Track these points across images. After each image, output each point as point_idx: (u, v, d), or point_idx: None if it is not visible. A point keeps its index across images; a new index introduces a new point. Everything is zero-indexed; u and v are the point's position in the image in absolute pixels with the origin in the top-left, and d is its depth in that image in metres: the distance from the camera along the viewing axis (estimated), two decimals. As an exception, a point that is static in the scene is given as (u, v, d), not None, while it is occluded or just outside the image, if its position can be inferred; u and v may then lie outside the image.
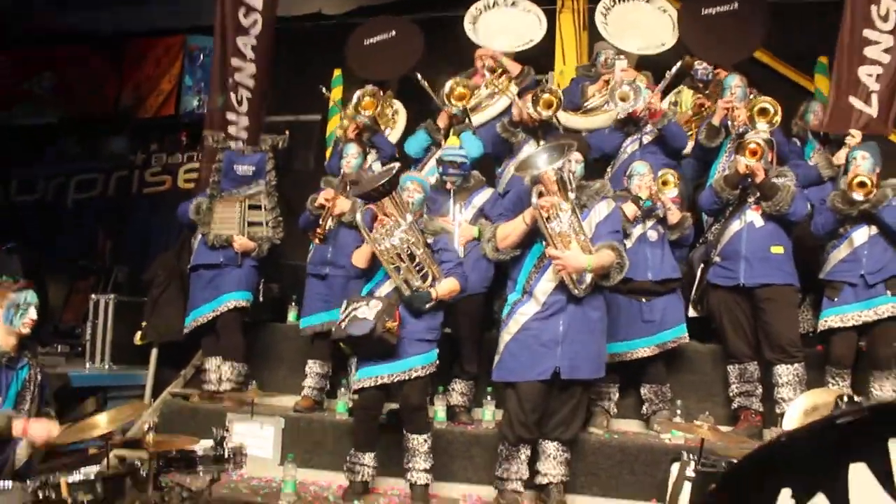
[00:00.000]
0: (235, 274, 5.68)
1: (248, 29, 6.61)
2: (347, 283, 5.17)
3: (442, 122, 5.73)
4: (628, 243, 4.78)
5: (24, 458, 3.92)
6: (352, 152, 5.55)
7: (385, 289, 4.44)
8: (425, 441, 4.46)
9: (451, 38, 6.75)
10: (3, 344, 3.92)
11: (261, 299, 6.02)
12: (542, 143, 5.10)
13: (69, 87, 9.07)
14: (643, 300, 4.95)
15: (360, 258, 4.50)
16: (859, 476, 1.34)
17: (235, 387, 5.51)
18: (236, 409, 5.20)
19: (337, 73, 7.20)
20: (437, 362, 4.50)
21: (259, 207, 5.81)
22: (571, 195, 4.16)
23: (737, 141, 5.06)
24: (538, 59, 6.42)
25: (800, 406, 3.88)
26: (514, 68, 6.05)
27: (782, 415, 4.45)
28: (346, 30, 7.00)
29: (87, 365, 6.58)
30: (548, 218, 4.09)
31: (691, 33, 6.21)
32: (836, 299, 4.83)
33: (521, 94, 5.68)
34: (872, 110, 5.50)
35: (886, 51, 5.45)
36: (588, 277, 4.16)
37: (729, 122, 5.33)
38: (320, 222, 5.36)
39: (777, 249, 4.88)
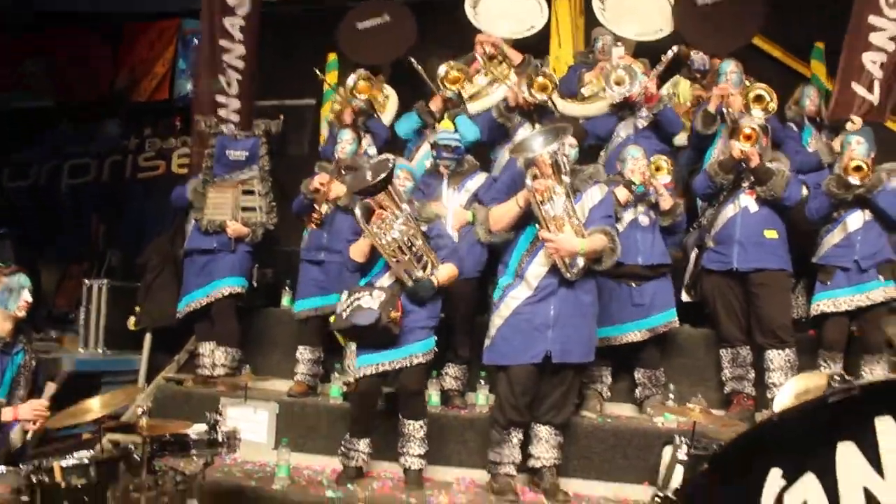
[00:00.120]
0: (229, 259, 5.66)
1: (234, 9, 6.55)
2: (343, 269, 5.15)
3: (435, 105, 5.70)
4: (619, 227, 4.77)
5: (19, 443, 3.93)
6: (346, 138, 5.54)
7: (386, 280, 4.43)
8: (421, 427, 4.47)
9: (444, 21, 6.71)
10: (-1, 329, 3.93)
11: (255, 285, 6.00)
12: (537, 126, 5.08)
13: (63, 71, 9.02)
14: (633, 285, 4.95)
15: (358, 253, 4.45)
16: (847, 454, 1.36)
17: (229, 372, 5.51)
18: (230, 394, 5.20)
19: (332, 57, 7.15)
20: (436, 349, 4.51)
21: (252, 192, 5.78)
22: (566, 179, 4.16)
23: (731, 127, 5.06)
24: (535, 45, 6.39)
25: (790, 389, 3.90)
26: (516, 57, 6.02)
27: (773, 399, 4.46)
28: (337, 13, 6.93)
29: (81, 350, 6.58)
30: (542, 201, 4.09)
31: (687, 23, 6.16)
32: (828, 283, 4.85)
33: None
34: (874, 97, 5.51)
35: (892, 38, 5.44)
36: (580, 261, 4.16)
37: (724, 110, 5.31)
38: (315, 206, 5.35)
39: (771, 234, 4.89)
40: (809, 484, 1.37)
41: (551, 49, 6.72)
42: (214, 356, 5.59)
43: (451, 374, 5.18)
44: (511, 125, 5.44)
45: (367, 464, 4.58)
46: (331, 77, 6.96)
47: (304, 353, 5.39)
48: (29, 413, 3.82)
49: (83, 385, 5.88)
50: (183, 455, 3.65)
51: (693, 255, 5.26)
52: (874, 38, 5.47)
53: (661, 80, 5.79)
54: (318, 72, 6.43)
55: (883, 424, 1.35)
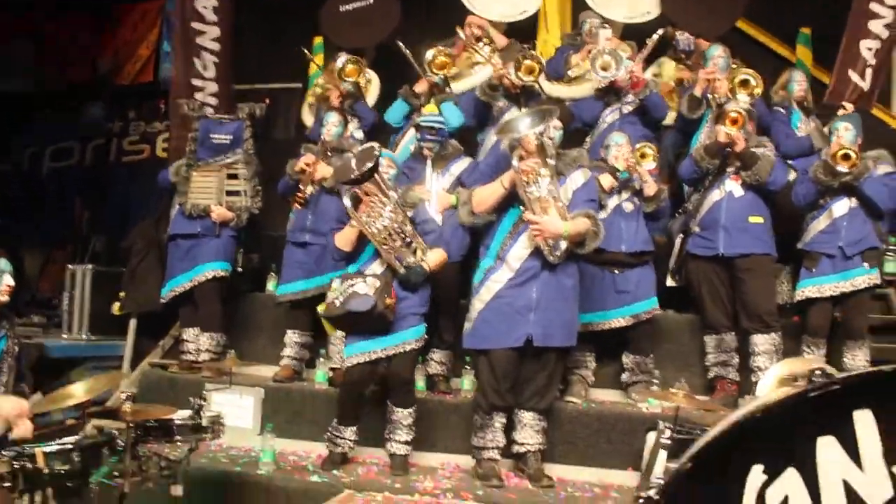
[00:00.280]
0: (213, 244, 5.62)
1: None
2: (326, 252, 5.13)
3: (420, 88, 5.66)
4: (603, 214, 4.77)
5: (1, 431, 3.90)
6: (332, 120, 5.50)
7: (377, 267, 4.40)
8: (409, 415, 4.47)
9: (427, 4, 6.65)
10: (-21, 313, 3.89)
11: (240, 269, 5.97)
12: (524, 109, 5.06)
13: (47, 54, 8.89)
14: (616, 272, 4.95)
15: (344, 241, 4.43)
16: (827, 448, 1.36)
17: (214, 357, 5.48)
18: (215, 379, 5.18)
19: (318, 40, 7.07)
20: (426, 336, 4.51)
21: (237, 176, 5.74)
22: (551, 161, 4.15)
23: (717, 111, 5.05)
24: (524, 29, 6.36)
25: (774, 374, 3.93)
26: (501, 41, 6.00)
27: (757, 383, 4.49)
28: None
29: (65, 335, 6.54)
30: (527, 182, 4.08)
31: (675, 5, 6.15)
32: (813, 270, 4.86)
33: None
34: (865, 84, 5.53)
35: (887, 26, 5.46)
36: (563, 244, 4.15)
37: (710, 95, 5.30)
38: (300, 187, 5.31)
39: (756, 219, 4.90)
40: (791, 479, 1.37)
41: (539, 33, 6.69)
42: (199, 341, 5.56)
43: (436, 360, 5.17)
44: (496, 105, 5.41)
45: (352, 450, 4.58)
46: (318, 60, 6.89)
47: (292, 336, 5.37)
48: (13, 412, 3.77)
49: (66, 368, 5.90)
50: (167, 441, 3.62)
51: (678, 241, 5.26)
52: (872, 25, 5.49)
53: (647, 63, 5.78)
54: (305, 51, 6.36)
55: (861, 417, 1.36)
